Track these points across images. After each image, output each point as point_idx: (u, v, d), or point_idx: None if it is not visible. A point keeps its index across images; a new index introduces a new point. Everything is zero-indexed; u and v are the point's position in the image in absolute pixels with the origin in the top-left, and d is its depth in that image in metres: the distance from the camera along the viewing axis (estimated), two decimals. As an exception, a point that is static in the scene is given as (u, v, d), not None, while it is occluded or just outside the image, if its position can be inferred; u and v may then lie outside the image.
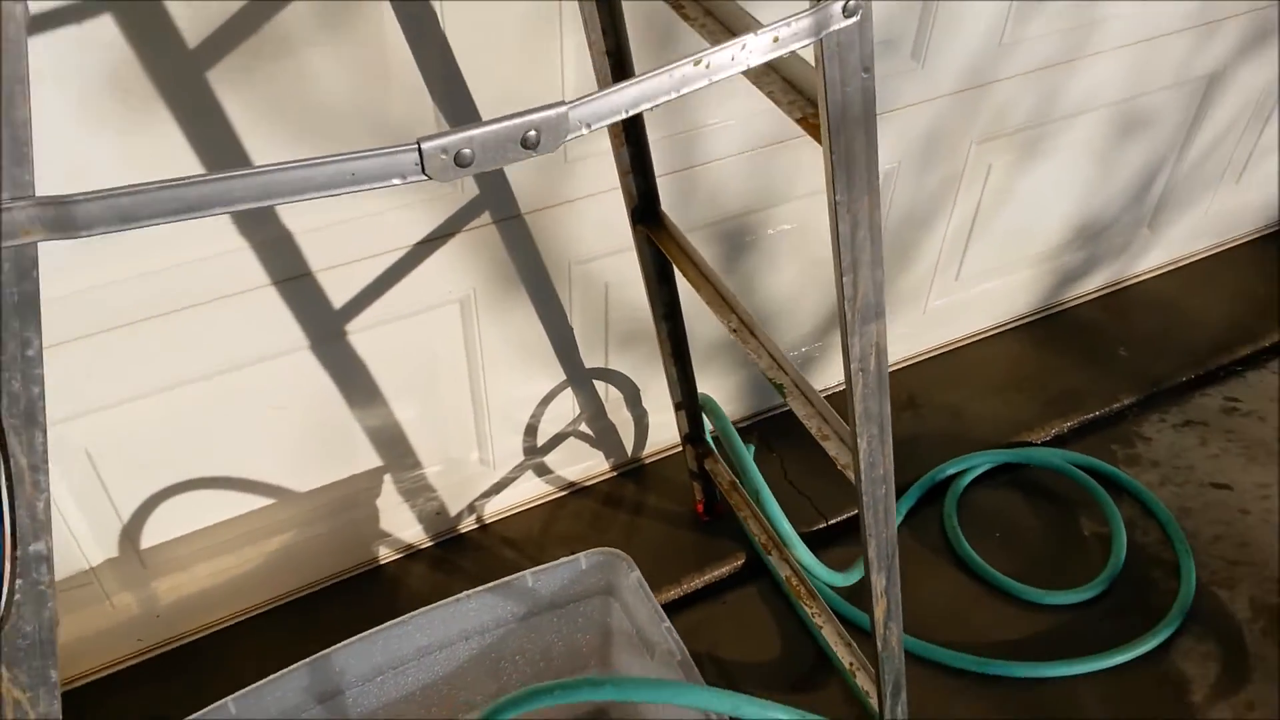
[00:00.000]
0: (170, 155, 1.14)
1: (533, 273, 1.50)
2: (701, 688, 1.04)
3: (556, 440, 1.73)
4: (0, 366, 0.53)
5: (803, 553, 1.42)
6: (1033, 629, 1.55)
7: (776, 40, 0.61)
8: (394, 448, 1.58)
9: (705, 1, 0.84)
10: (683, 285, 1.41)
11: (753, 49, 0.61)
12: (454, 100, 1.27)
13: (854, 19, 0.62)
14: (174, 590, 1.52)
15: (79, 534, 1.40)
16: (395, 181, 0.56)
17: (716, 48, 0.60)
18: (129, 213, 0.50)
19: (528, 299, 1.53)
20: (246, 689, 1.22)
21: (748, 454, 1.43)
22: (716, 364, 1.77)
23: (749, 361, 1.81)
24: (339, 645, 1.26)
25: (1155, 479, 1.75)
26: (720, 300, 1.18)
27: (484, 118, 1.30)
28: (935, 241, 1.85)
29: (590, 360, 1.67)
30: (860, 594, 1.60)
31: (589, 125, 0.59)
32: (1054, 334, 2.03)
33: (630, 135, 1.22)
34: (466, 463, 1.67)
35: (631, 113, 0.60)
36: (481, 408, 1.61)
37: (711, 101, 1.44)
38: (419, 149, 0.55)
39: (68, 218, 0.50)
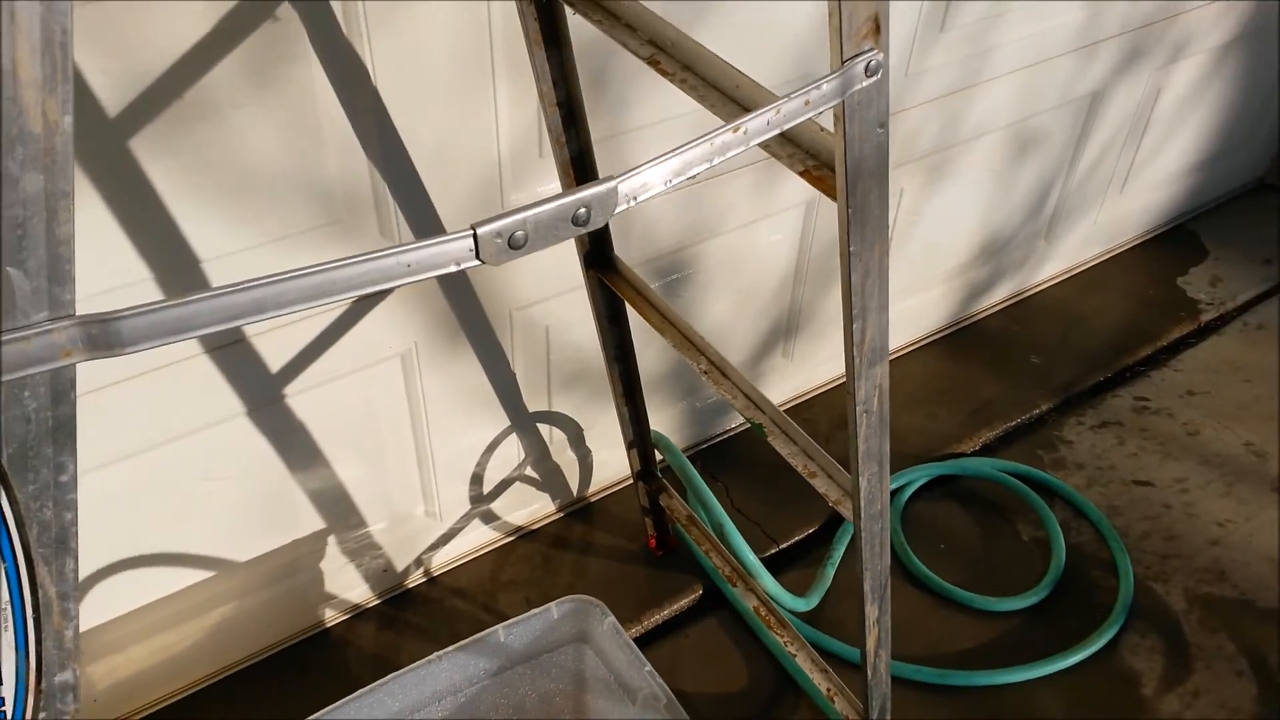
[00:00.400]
0: (96, 229, 1.07)
1: (474, 322, 1.47)
2: None
3: (502, 486, 1.69)
4: (30, 495, 0.48)
5: (769, 583, 1.42)
6: (986, 636, 1.58)
7: (808, 103, 0.61)
8: (337, 508, 1.52)
9: (683, 58, 0.84)
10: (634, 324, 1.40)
11: (786, 113, 0.60)
12: (389, 156, 1.23)
13: (875, 78, 0.62)
14: (111, 673, 1.43)
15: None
16: (450, 269, 0.53)
17: (753, 115, 0.59)
18: (179, 326, 0.46)
19: (469, 348, 1.50)
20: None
21: (708, 489, 1.42)
22: (654, 397, 1.76)
23: (687, 393, 1.81)
24: (310, 719, 1.20)
25: (1082, 481, 1.82)
26: (688, 343, 1.17)
27: (420, 172, 1.28)
28: (857, 264, 1.88)
29: (533, 404, 1.64)
30: (818, 618, 1.61)
31: (636, 198, 0.57)
32: (967, 346, 2.09)
33: (581, 179, 1.20)
34: (412, 516, 1.62)
35: (674, 183, 0.58)
36: (426, 460, 1.57)
37: (645, 141, 1.44)
38: (474, 235, 0.52)
39: (112, 336, 0.45)
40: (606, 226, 1.29)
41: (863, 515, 0.92)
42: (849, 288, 0.74)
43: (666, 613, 1.63)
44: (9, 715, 0.53)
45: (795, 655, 1.39)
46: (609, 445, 1.76)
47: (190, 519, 1.39)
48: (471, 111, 1.26)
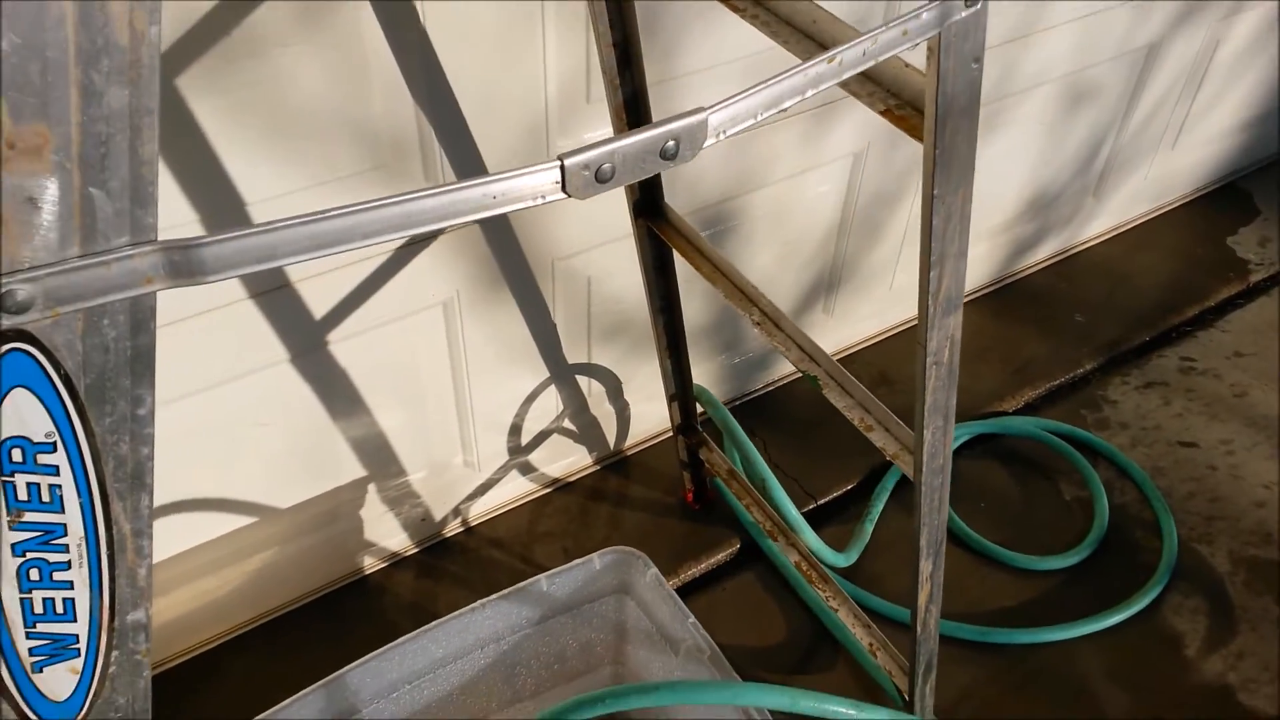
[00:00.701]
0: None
1: (516, 271, 1.45)
2: (759, 686, 1.00)
3: (540, 438, 1.68)
4: (107, 429, 0.46)
5: (810, 538, 1.41)
6: (1028, 595, 1.57)
7: (905, 34, 0.58)
8: (378, 456, 1.51)
9: (754, -10, 0.80)
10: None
11: (882, 43, 0.57)
12: (436, 98, 1.20)
13: (974, 8, 0.59)
14: (154, 617, 1.43)
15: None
16: (535, 202, 0.50)
17: (848, 45, 0.56)
18: (263, 254, 0.44)
19: (511, 298, 1.48)
20: (262, 716, 1.15)
21: (750, 444, 1.40)
22: (691, 352, 1.74)
23: (725, 348, 1.79)
24: (354, 664, 1.21)
25: (1126, 441, 1.79)
26: (739, 294, 1.14)
27: (466, 115, 1.25)
28: (901, 219, 1.84)
29: (573, 356, 1.62)
30: (854, 574, 1.60)
31: (725, 131, 0.54)
32: (1012, 304, 2.05)
33: (634, 123, 1.17)
34: (451, 466, 1.61)
35: (765, 115, 0.55)
36: (465, 410, 1.56)
37: (696, 87, 1.40)
38: (561, 166, 0.50)
39: (195, 263, 0.43)
40: (659, 175, 1.26)
41: (924, 470, 0.90)
42: (929, 233, 0.72)
43: (703, 566, 1.62)
44: (82, 652, 0.52)
45: (837, 610, 1.38)
46: (647, 399, 1.74)
47: (234, 465, 1.38)
48: (519, 55, 1.23)
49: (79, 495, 0.49)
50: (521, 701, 1.38)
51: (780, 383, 1.91)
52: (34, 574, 0.50)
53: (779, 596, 1.58)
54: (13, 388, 0.45)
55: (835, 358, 1.94)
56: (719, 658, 1.21)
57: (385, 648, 1.23)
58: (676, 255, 1.31)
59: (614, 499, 1.73)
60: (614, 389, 1.71)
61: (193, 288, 0.45)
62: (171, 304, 1.18)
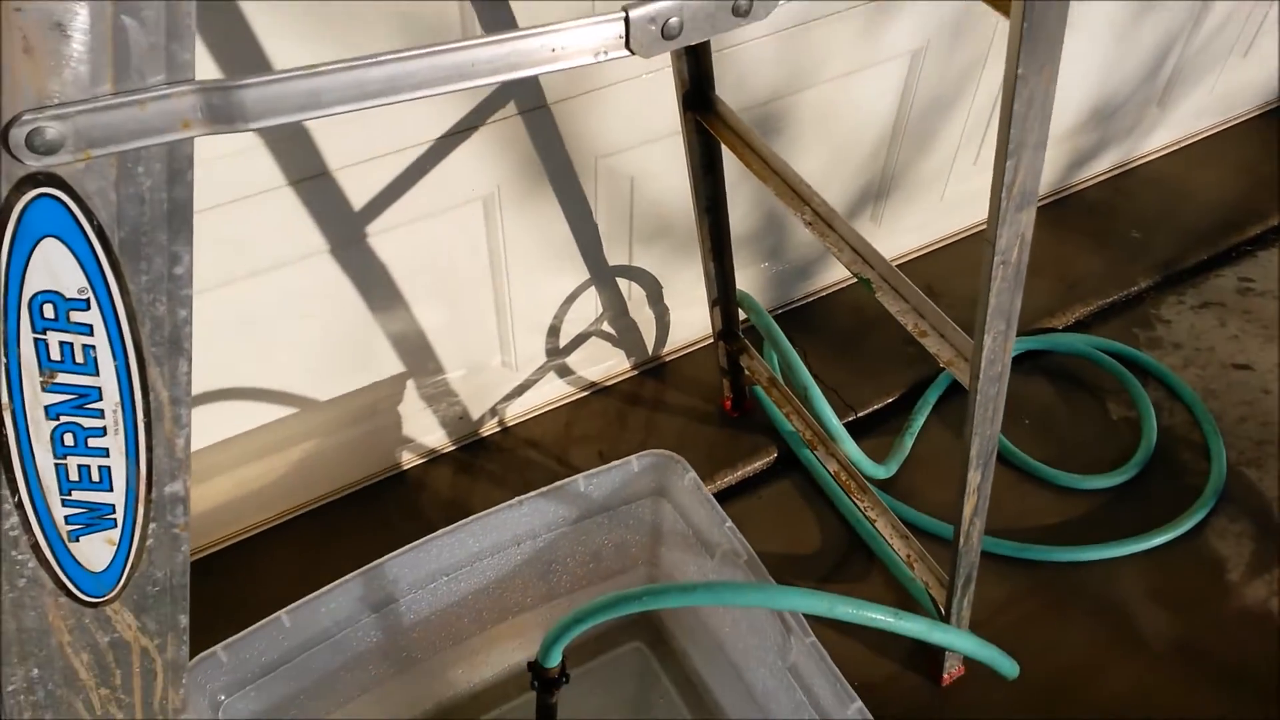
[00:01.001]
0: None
1: (558, 168, 1.41)
2: (797, 590, 0.99)
3: (578, 341, 1.66)
4: (143, 288, 0.43)
5: (851, 448, 1.38)
6: (1069, 514, 1.54)
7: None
8: (416, 353, 1.50)
9: None
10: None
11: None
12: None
13: None
14: (198, 501, 1.45)
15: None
16: (596, 58, 0.46)
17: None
18: (307, 100, 0.40)
19: (552, 195, 1.44)
20: (299, 602, 1.17)
21: (794, 352, 1.36)
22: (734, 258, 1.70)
23: (768, 255, 1.74)
24: (393, 554, 1.21)
25: (1178, 361, 1.73)
26: (791, 192, 1.09)
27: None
28: (957, 125, 1.77)
29: (614, 257, 1.58)
30: (890, 487, 1.57)
31: (804, -12, 0.49)
32: (1066, 217, 1.98)
33: None
34: (489, 366, 1.59)
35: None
36: (504, 310, 1.53)
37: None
38: (625, 19, 0.46)
39: (235, 107, 0.40)
40: (710, 62, 1.20)
41: (981, 377, 0.86)
42: (1009, 118, 0.67)
43: (740, 473, 1.61)
44: (118, 523, 0.51)
45: (875, 521, 1.36)
46: (686, 304, 1.71)
47: (275, 355, 1.37)
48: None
49: (114, 358, 0.47)
50: (557, 598, 1.38)
51: (823, 293, 1.86)
52: (68, 439, 0.48)
53: (815, 506, 1.57)
54: (43, 237, 0.42)
55: (882, 267, 1.90)
56: (755, 562, 1.20)
57: (423, 539, 1.23)
58: (725, 153, 1.26)
59: (651, 404, 1.71)
60: (654, 293, 1.68)
61: (231, 134, 0.41)
62: (210, 186, 1.15)
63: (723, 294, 1.47)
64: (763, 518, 1.56)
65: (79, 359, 0.47)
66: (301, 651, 1.20)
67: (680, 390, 1.72)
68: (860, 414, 1.67)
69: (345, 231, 1.30)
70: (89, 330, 0.46)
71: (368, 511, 1.55)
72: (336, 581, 1.19)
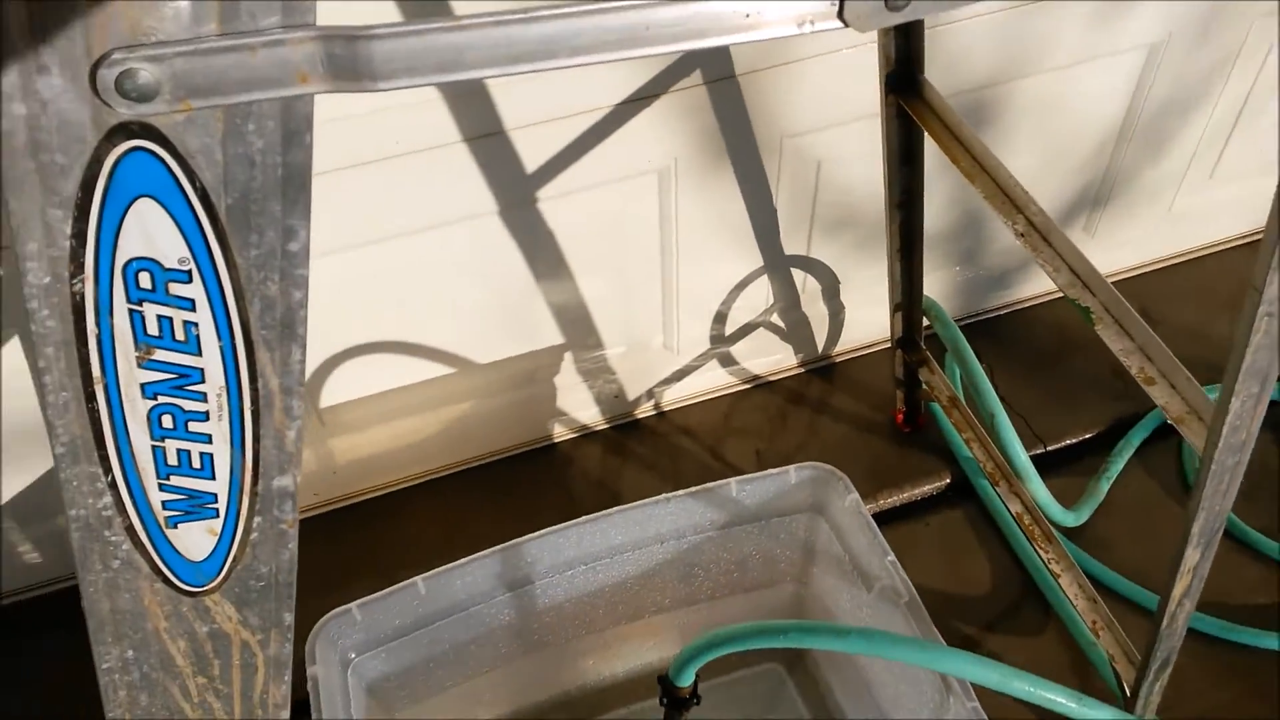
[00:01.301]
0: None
1: (741, 145, 1.31)
2: (967, 655, 0.86)
3: (745, 330, 1.56)
4: (253, 263, 0.38)
5: (1039, 489, 1.23)
6: (1284, 590, 1.34)
7: None
8: (577, 326, 1.44)
9: None
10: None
11: None
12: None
13: None
14: (351, 450, 1.45)
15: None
16: (799, 29, 0.37)
17: None
18: (446, 60, 0.33)
19: (731, 174, 1.34)
20: (436, 571, 1.14)
21: (982, 372, 1.22)
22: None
23: (962, 259, 1.59)
24: (532, 535, 1.16)
25: None
26: (1002, 195, 0.96)
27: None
28: (1195, 131, 1.56)
29: (791, 246, 1.47)
30: (1078, 534, 1.40)
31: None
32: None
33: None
34: (650, 346, 1.52)
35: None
36: (671, 290, 1.45)
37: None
38: (845, -21, 0.36)
39: (362, 61, 0.33)
40: (921, 41, 1.08)
41: (1220, 445, 0.71)
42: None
43: (906, 495, 1.47)
44: (220, 513, 0.46)
45: (1059, 576, 1.20)
46: (864, 304, 1.58)
47: (437, 314, 1.35)
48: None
49: (219, 338, 0.41)
50: (697, 603, 1.31)
51: (1019, 306, 1.69)
52: (166, 420, 0.43)
53: (988, 543, 1.41)
54: (139, 196, 0.37)
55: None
56: (918, 606, 1.08)
57: (564, 525, 1.18)
58: (927, 143, 1.13)
59: (815, 406, 1.60)
60: (830, 288, 1.56)
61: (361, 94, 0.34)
62: (390, 139, 1.12)
63: (907, 298, 1.34)
64: (927, 548, 1.43)
65: (179, 335, 0.41)
66: (434, 620, 1.17)
67: (849, 395, 1.60)
68: (1050, 447, 1.50)
69: (516, 194, 1.25)
70: (190, 305, 0.40)
71: (516, 479, 1.52)
72: (474, 555, 1.15)
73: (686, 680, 0.99)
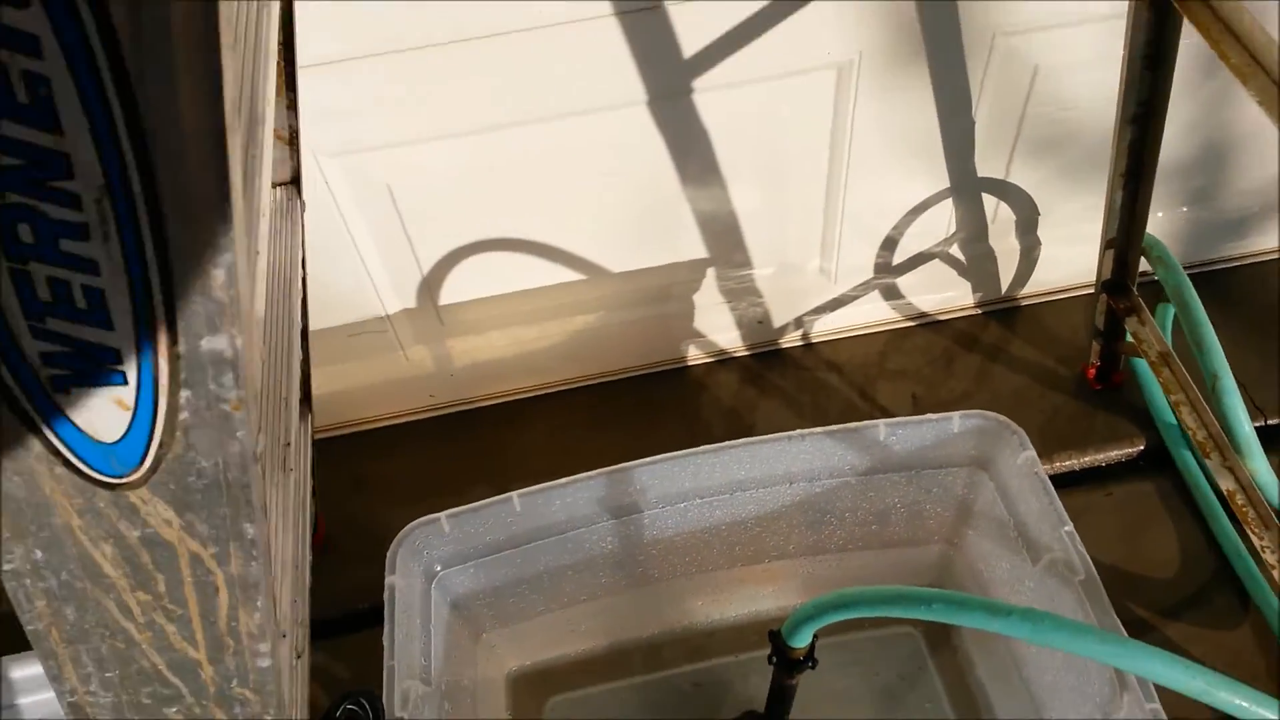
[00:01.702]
0: None
1: (943, 41, 1.10)
2: (1161, 654, 0.66)
3: (917, 260, 1.34)
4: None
5: (1261, 466, 0.98)
6: None
7: None
8: (724, 240, 1.27)
9: None
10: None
11: None
12: None
13: None
14: (469, 353, 1.34)
15: (376, 278, 1.22)
16: None
17: None
18: None
19: (925, 76, 1.13)
20: (533, 488, 1.01)
21: (1210, 327, 0.98)
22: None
23: (1195, 198, 1.32)
24: (643, 461, 1.02)
25: None
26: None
27: None
28: None
29: (986, 168, 1.24)
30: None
31: None
32: None
33: None
34: (804, 270, 1.33)
35: None
36: (835, 208, 1.26)
37: None
38: None
39: None
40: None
41: None
42: None
43: (1088, 460, 1.23)
44: (130, 380, 0.33)
45: (1274, 568, 0.97)
46: (1065, 240, 1.33)
47: (571, 214, 1.20)
48: None
49: (84, 105, 0.27)
50: (825, 554, 1.13)
51: (1253, 259, 1.40)
52: (25, 233, 0.30)
53: (1180, 520, 1.17)
54: None
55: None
56: (1095, 586, 0.87)
57: (681, 452, 1.03)
58: (1184, 41, 0.89)
59: (990, 352, 1.37)
60: (1027, 219, 1.32)
61: None
62: (532, 10, 0.98)
63: (1124, 233, 1.09)
64: (1109, 520, 1.20)
65: (22, 97, 0.27)
66: (529, 540, 1.06)
67: (1031, 344, 1.37)
68: (1270, 421, 1.24)
69: (670, 82, 1.08)
70: (35, 48, 0.26)
71: (641, 401, 1.37)
72: (576, 476, 1.02)
73: (803, 640, 0.82)
